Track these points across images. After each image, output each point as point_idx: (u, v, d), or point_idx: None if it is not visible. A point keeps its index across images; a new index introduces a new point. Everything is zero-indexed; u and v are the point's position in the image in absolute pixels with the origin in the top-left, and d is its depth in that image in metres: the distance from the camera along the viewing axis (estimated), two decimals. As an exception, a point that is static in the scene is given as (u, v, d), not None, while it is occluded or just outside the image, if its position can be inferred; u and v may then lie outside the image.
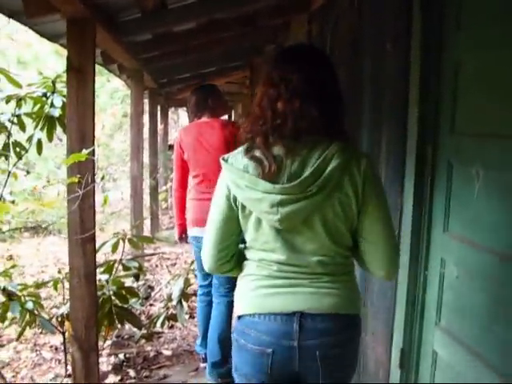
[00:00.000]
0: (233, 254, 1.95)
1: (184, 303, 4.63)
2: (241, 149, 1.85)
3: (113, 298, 3.56)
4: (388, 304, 2.99)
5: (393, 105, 3.00)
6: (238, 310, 1.94)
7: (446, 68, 2.52)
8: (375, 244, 1.84)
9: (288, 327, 1.77)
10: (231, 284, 3.29)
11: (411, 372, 2.76)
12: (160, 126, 12.21)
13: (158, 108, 11.53)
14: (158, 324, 4.48)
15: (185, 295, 4.66)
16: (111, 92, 14.06)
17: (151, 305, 5.52)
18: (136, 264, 3.84)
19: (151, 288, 5.92)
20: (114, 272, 3.74)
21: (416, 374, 2.74)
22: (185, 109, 14.01)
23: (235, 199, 1.82)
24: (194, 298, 5.27)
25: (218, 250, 1.91)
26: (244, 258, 1.96)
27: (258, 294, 1.84)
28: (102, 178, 15.39)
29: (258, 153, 1.78)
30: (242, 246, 1.97)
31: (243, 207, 1.81)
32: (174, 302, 4.42)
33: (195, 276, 4.80)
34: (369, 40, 3.38)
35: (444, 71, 2.53)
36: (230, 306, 3.66)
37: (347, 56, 3.78)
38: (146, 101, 8.92)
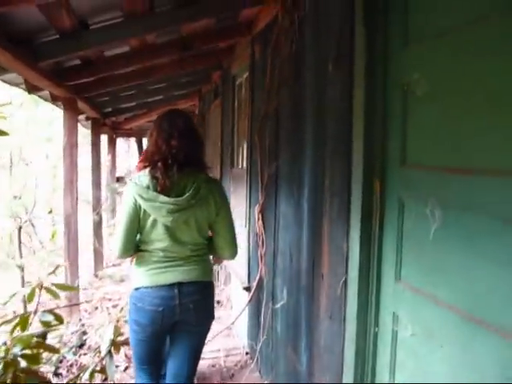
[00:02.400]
0: (134, 244, 2.77)
1: (116, 353, 4.15)
2: (142, 173, 2.72)
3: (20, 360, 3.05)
4: (336, 361, 2.60)
5: (336, 133, 2.65)
6: (135, 284, 2.79)
7: (393, 90, 2.18)
8: (223, 236, 2.87)
9: (171, 293, 2.72)
10: None
11: None
12: (107, 157, 11.72)
13: (105, 138, 11.08)
14: (84, 379, 3.96)
15: (115, 345, 4.17)
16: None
17: (85, 354, 4.98)
18: (49, 318, 3.35)
19: (86, 334, 5.39)
20: (27, 328, 3.23)
21: None
22: (135, 139, 13.59)
23: (140, 206, 2.66)
24: (126, 346, 4.81)
25: (127, 242, 2.72)
26: (138, 249, 2.80)
27: (151, 273, 2.75)
28: (50, 212, 14.74)
29: (157, 174, 2.65)
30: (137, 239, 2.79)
31: (144, 212, 2.67)
32: (103, 354, 3.92)
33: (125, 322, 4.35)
34: (311, 61, 3.05)
35: (392, 94, 2.20)
36: None
37: (289, 79, 3.44)
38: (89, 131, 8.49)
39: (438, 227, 1.87)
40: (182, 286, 2.73)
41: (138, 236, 2.78)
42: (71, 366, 4.76)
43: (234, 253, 2.95)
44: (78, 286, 5.63)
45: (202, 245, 2.84)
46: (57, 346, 5.10)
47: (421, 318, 1.99)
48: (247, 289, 4.64)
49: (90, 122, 8.45)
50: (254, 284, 4.28)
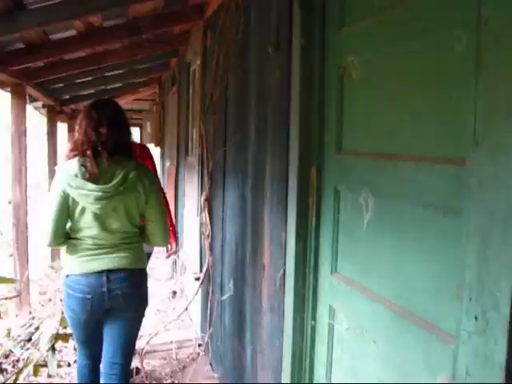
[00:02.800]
0: (64, 232, 2.75)
1: (66, 344, 4.02)
2: (71, 161, 2.69)
3: None
4: (277, 355, 2.51)
5: (276, 119, 2.55)
6: (67, 271, 2.80)
7: (330, 74, 2.09)
8: (154, 222, 2.85)
9: (99, 280, 2.72)
10: None
11: None
12: (67, 146, 11.44)
13: (65, 127, 10.82)
14: (27, 374, 3.83)
15: (62, 337, 4.04)
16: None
17: (27, 349, 4.79)
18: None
19: (35, 328, 5.21)
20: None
21: None
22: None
23: (68, 194, 2.65)
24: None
25: (56, 230, 2.69)
26: (68, 237, 2.78)
27: (80, 260, 2.73)
28: (10, 203, 14.37)
29: (86, 162, 2.66)
30: (67, 227, 2.78)
31: (73, 200, 2.66)
32: (43, 350, 3.81)
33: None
34: (255, 46, 2.94)
35: (329, 78, 2.10)
36: None
37: (235, 64, 3.33)
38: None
39: (371, 217, 1.79)
40: (110, 273, 2.74)
41: (68, 224, 2.77)
42: (18, 361, 4.59)
43: (165, 239, 2.98)
44: (28, 278, 5.44)
45: (132, 233, 2.83)
46: (4, 340, 4.98)
47: (355, 312, 1.91)
48: (198, 279, 4.54)
49: (45, 109, 8.20)
50: (202, 275, 4.18)
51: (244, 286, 3.15)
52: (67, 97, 8.60)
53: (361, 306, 1.86)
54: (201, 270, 4.52)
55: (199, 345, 4.68)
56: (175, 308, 5.72)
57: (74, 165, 2.66)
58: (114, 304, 2.78)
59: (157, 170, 4.09)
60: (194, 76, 5.46)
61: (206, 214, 3.87)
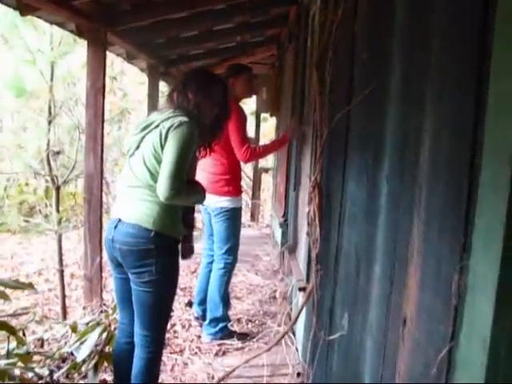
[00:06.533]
0: None
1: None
2: None
3: None
4: None
5: (449, 45, 1.31)
6: None
7: None
8: (162, 168, 2.60)
9: (111, 226, 2.72)
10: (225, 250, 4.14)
11: None
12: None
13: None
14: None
15: (105, 356, 3.16)
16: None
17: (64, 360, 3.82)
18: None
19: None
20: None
21: None
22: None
23: None
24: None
25: None
26: None
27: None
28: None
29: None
30: None
31: None
32: (84, 366, 2.94)
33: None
34: None
35: None
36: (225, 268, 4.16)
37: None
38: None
39: None
40: (120, 223, 2.69)
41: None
42: (75, 367, 3.69)
43: (162, 192, 2.56)
44: (100, 263, 4.52)
45: (148, 183, 2.66)
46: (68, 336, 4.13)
47: None
48: (303, 290, 3.39)
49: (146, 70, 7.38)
50: (307, 291, 2.99)
51: (364, 333, 1.95)
52: (174, 57, 7.71)
53: None
54: (307, 279, 3.37)
55: (298, 374, 3.55)
56: (269, 316, 4.61)
57: None
58: (119, 257, 2.71)
59: (238, 132, 3.95)
60: (314, 22, 4.22)
61: (314, 209, 2.67)
